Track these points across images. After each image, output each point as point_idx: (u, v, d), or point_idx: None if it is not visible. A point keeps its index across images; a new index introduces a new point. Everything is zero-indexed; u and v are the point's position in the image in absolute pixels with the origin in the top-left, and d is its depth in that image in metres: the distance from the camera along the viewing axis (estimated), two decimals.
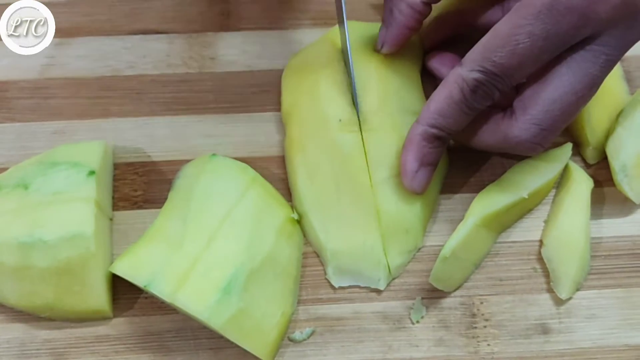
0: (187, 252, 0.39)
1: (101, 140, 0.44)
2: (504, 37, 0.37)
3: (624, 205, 0.45)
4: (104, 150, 0.44)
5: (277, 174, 0.46)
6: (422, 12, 0.42)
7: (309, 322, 0.42)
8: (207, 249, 0.39)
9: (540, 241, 0.44)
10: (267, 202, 0.42)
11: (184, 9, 0.51)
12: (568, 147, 0.45)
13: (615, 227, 0.45)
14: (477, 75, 0.38)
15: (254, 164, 0.44)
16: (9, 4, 0.50)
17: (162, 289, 0.38)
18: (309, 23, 0.51)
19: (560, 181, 0.46)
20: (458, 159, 0.46)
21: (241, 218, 0.40)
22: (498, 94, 0.39)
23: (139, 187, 0.45)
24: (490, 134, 0.41)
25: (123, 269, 0.39)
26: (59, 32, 0.50)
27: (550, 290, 0.43)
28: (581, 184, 0.44)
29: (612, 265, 0.44)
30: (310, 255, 0.44)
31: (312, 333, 0.42)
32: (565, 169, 0.45)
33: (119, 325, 0.42)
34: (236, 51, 0.50)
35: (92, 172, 0.41)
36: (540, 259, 0.44)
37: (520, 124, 0.39)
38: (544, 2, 0.35)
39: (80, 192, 0.41)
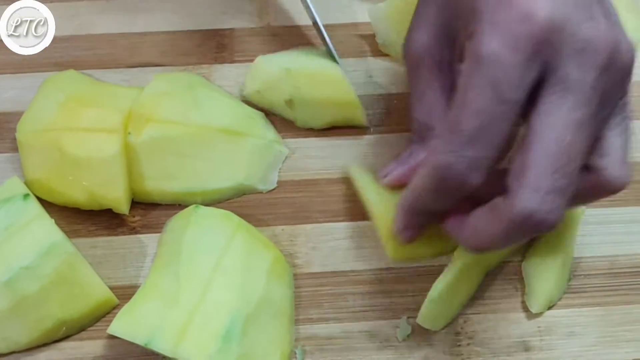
0: (183, 306, 0.40)
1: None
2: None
3: (602, 225, 0.47)
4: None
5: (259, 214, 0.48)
6: None
7: (299, 341, 0.43)
8: (202, 300, 0.40)
9: (523, 255, 0.46)
10: (254, 245, 0.43)
11: (181, 43, 0.54)
12: None
13: (594, 248, 0.46)
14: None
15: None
16: (9, 4, 0.51)
17: (162, 346, 0.38)
18: None
19: None
20: None
21: (231, 265, 0.41)
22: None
23: (136, 212, 0.47)
24: (492, 225, 0.35)
25: (121, 330, 0.39)
26: (60, 66, 0.52)
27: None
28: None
29: (591, 284, 0.45)
30: (301, 277, 0.45)
31: (304, 353, 0.43)
32: None
33: (117, 346, 0.43)
34: (229, 82, 0.52)
35: (26, 195, 0.42)
36: (521, 279, 0.45)
37: (521, 195, 0.33)
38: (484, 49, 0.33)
39: (27, 215, 0.41)
